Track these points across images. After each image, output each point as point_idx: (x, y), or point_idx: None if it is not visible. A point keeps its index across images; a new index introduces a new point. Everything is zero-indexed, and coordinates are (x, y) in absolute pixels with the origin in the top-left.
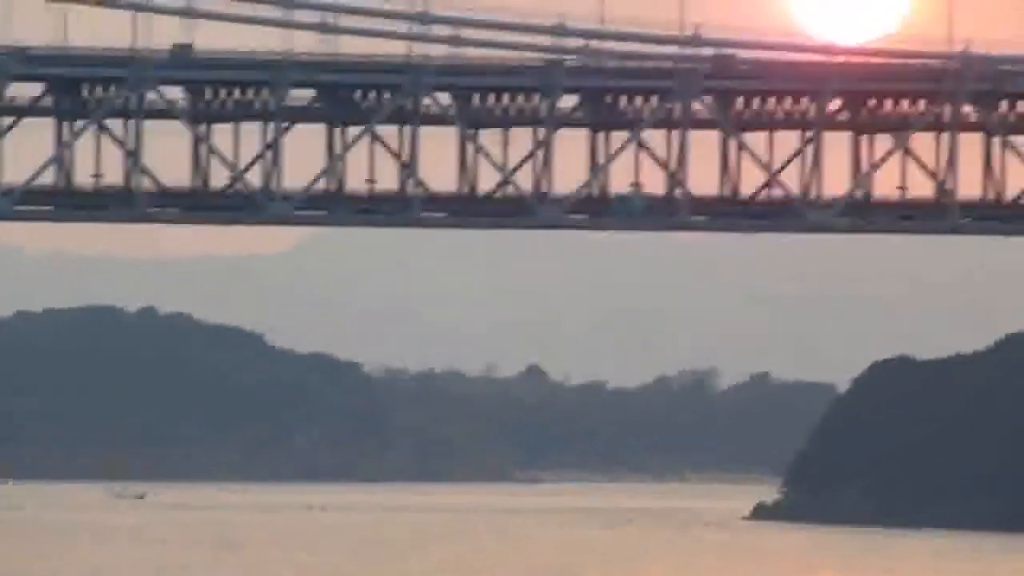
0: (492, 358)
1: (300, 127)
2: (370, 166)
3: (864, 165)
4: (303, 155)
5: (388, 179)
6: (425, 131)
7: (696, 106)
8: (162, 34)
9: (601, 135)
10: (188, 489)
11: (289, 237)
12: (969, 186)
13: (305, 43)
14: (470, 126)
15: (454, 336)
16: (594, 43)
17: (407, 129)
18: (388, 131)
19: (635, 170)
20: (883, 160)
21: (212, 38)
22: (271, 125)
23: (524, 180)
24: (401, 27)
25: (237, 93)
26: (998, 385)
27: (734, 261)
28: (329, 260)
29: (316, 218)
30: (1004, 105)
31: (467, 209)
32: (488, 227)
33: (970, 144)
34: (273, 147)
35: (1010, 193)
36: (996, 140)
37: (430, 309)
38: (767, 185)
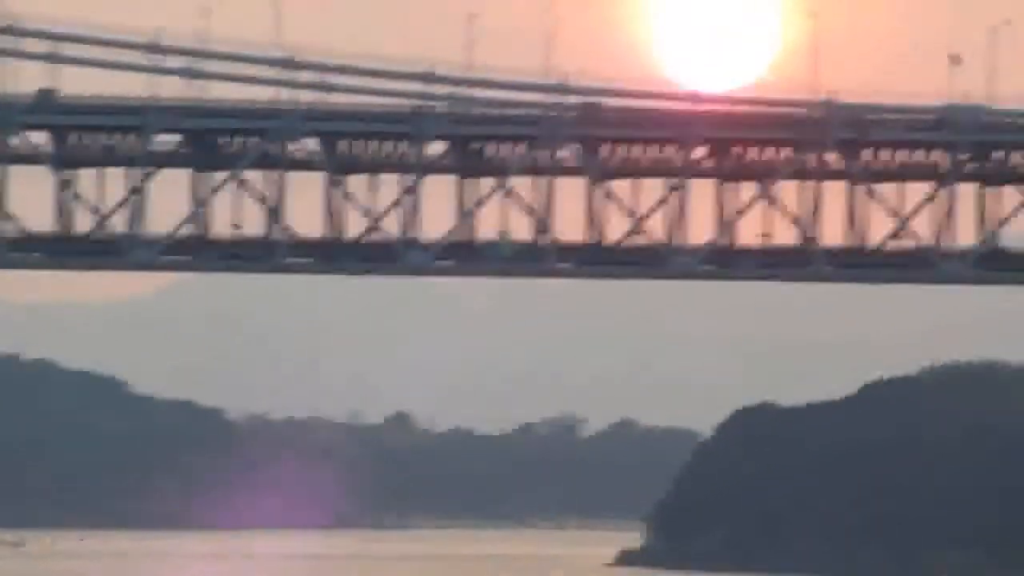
0: (357, 404)
1: (165, 172)
2: (236, 211)
3: (729, 212)
4: (168, 200)
5: (254, 224)
6: (292, 176)
7: (563, 153)
8: (27, 78)
9: (469, 181)
10: (57, 537)
11: (153, 282)
12: (833, 234)
13: (171, 88)
14: (337, 172)
15: (319, 382)
16: (462, 90)
17: (273, 174)
18: (254, 176)
19: (503, 216)
20: (747, 207)
21: (77, 83)
22: (136, 170)
23: (392, 226)
24: (268, 72)
25: (102, 138)
26: (858, 432)
27: (599, 307)
28: (193, 305)
29: (180, 264)
30: (868, 153)
31: (334, 255)
32: (356, 273)
33: (834, 192)
34: (138, 192)
35: (873, 241)
36: (860, 188)
37: (295, 355)
38: (633, 232)
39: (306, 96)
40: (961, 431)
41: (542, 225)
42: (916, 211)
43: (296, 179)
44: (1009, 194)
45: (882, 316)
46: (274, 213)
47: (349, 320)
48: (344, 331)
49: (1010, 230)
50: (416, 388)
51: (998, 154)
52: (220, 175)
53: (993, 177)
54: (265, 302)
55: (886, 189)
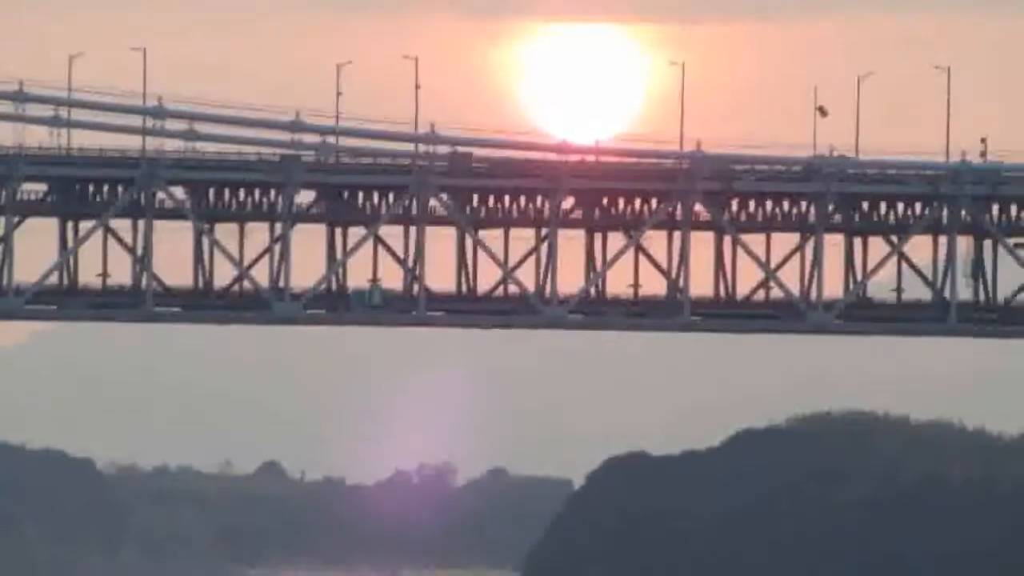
0: (228, 454)
1: (33, 221)
2: (103, 260)
3: (598, 262)
4: (36, 249)
5: (122, 273)
6: (160, 225)
7: (433, 203)
8: None
9: (339, 230)
10: None
11: (22, 331)
12: (701, 284)
13: (38, 137)
14: (205, 220)
15: (189, 432)
16: (331, 139)
17: (141, 223)
18: (122, 225)
19: (373, 265)
20: (616, 257)
21: None
22: (2, 220)
23: (261, 274)
24: (135, 121)
25: None
26: (729, 481)
27: (470, 355)
28: (63, 354)
29: (48, 313)
30: (735, 204)
31: (203, 303)
32: (225, 322)
33: (702, 242)
34: (4, 241)
35: (741, 291)
36: (727, 239)
37: (165, 405)
38: (503, 281)
39: (174, 145)
40: (830, 480)
41: (413, 274)
42: (783, 262)
43: (164, 228)
44: (875, 245)
45: (751, 366)
46: (142, 262)
47: (219, 369)
48: (214, 380)
49: (876, 280)
50: (287, 437)
51: (864, 205)
52: (87, 224)
53: (859, 228)
54: (134, 351)
55: (753, 240)
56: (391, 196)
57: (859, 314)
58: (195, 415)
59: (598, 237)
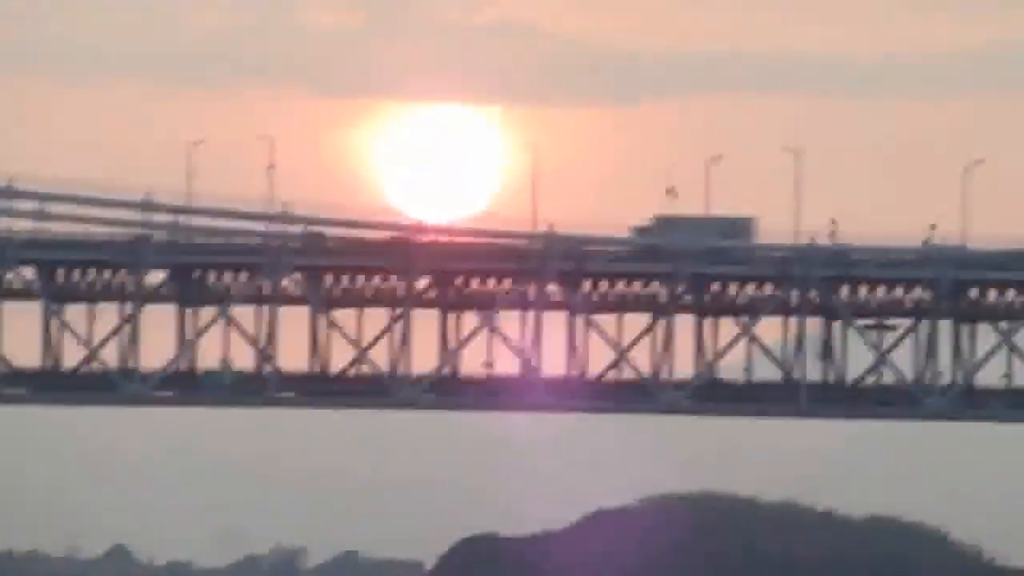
0: (74, 538)
1: None
2: None
3: (452, 342)
4: None
5: None
6: (8, 305)
7: (286, 282)
8: None
9: (190, 310)
10: None
11: None
12: (554, 364)
13: None
14: (55, 300)
15: (35, 516)
16: (183, 218)
17: None
18: None
19: (225, 345)
20: (471, 337)
21: None
22: None
23: (111, 355)
24: None
25: None
26: (582, 560)
27: (317, 437)
28: None
29: None
30: (587, 284)
31: (51, 385)
32: (73, 403)
33: (555, 322)
34: None
35: (593, 370)
36: (579, 319)
37: (10, 487)
38: (357, 361)
39: (23, 224)
40: (682, 561)
41: (265, 354)
42: (635, 342)
43: (12, 308)
44: (726, 325)
45: (602, 446)
46: None
47: (65, 451)
48: (60, 462)
49: (727, 361)
50: (135, 522)
51: (715, 285)
52: None
53: (711, 308)
54: None
55: (605, 320)
56: (244, 275)
57: (710, 394)
58: (40, 497)
59: (452, 317)
